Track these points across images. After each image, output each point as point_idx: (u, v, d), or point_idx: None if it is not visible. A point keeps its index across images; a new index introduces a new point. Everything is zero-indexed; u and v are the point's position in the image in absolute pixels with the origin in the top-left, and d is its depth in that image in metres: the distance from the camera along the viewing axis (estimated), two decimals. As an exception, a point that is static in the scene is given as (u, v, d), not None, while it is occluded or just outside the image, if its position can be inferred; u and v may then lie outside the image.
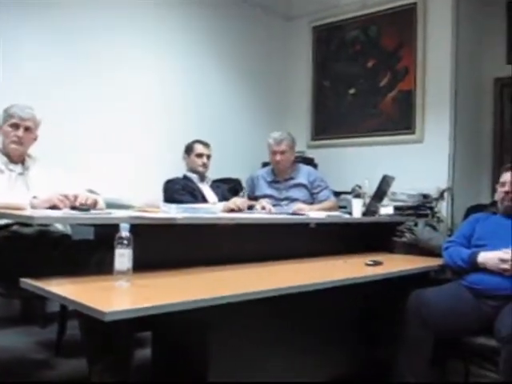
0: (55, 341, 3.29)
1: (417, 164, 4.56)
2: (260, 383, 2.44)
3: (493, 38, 4.96)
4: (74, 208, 2.31)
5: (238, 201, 3.25)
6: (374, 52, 5.03)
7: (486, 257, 2.79)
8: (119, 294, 1.88)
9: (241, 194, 4.23)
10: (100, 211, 2.41)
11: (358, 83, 5.12)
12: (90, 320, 1.62)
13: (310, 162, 4.86)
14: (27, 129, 2.84)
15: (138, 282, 1.98)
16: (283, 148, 3.99)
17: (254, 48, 5.31)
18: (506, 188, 3.00)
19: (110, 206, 2.75)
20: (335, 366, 2.92)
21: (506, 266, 2.68)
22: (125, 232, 1.92)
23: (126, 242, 1.90)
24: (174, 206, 2.58)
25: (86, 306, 1.63)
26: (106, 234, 2.02)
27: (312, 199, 4.05)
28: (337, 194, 4.43)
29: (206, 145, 3.91)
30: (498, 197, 3.09)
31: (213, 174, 4.11)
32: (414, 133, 4.67)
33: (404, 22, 4.81)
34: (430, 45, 4.67)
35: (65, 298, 1.77)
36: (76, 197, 2.39)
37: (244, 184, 4.38)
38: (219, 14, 5.00)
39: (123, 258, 1.90)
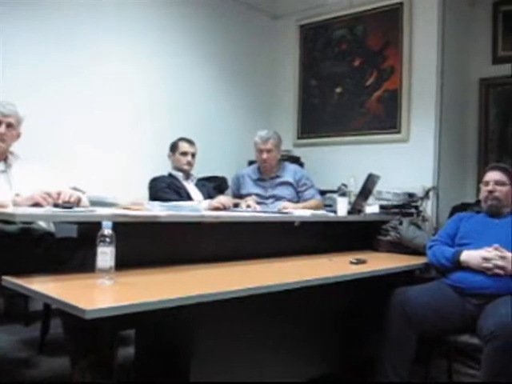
0: (38, 339, 3.28)
1: (402, 163, 4.58)
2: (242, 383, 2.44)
3: (478, 39, 4.99)
4: (56, 206, 2.30)
5: (222, 199, 3.25)
6: (360, 51, 5.04)
7: (468, 255, 2.81)
8: (101, 291, 1.87)
9: (226, 192, 4.22)
10: (83, 209, 2.40)
11: (345, 82, 5.12)
12: (72, 318, 1.61)
13: (296, 160, 4.86)
14: (9, 125, 2.81)
15: (121, 279, 1.98)
16: (269, 146, 4.00)
17: (241, 46, 5.30)
18: (490, 187, 3.03)
19: (95, 203, 2.73)
20: (319, 364, 2.92)
21: (488, 264, 2.70)
22: (107, 230, 1.91)
23: (108, 239, 1.90)
24: (157, 203, 2.57)
25: (67, 303, 1.62)
26: (89, 232, 2.01)
27: (298, 198, 4.05)
28: (323, 192, 4.43)
29: (190, 143, 3.90)
30: (481, 196, 3.11)
31: (199, 172, 4.10)
32: (399, 132, 4.69)
33: (390, 22, 4.82)
34: (415, 45, 4.68)
35: (45, 296, 1.76)
36: (59, 194, 2.38)
37: (230, 182, 4.37)
38: (206, 13, 4.98)
39: (105, 255, 1.90)
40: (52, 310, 3.17)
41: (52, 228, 2.88)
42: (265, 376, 2.57)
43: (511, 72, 4.73)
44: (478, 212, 3.14)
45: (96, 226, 1.91)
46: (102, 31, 4.22)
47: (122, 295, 1.84)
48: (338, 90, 5.16)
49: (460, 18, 4.90)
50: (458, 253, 2.86)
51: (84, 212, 2.28)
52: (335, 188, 4.26)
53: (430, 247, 3.06)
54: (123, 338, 3.01)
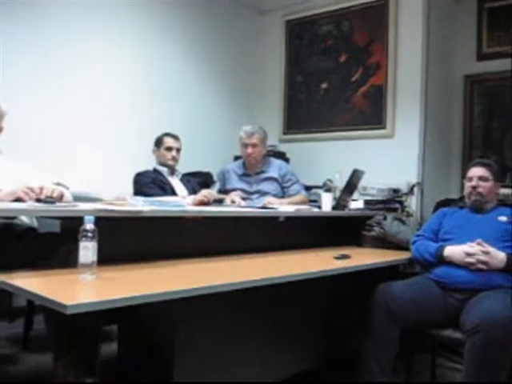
0: (22, 335, 3.27)
1: (387, 159, 4.60)
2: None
3: (463, 36, 5.02)
4: (39, 200, 2.28)
5: (205, 192, 3.24)
6: (346, 47, 5.04)
7: (452, 251, 2.83)
8: (83, 287, 1.86)
9: (212, 187, 4.21)
10: (66, 204, 2.38)
11: (331, 78, 5.13)
12: (54, 314, 1.60)
13: (281, 156, 4.86)
14: (-10, 120, 2.78)
15: (103, 274, 1.97)
16: (254, 141, 4.00)
17: (227, 42, 5.29)
18: (473, 183, 3.05)
19: (79, 199, 2.72)
20: (303, 360, 2.93)
21: (471, 259, 2.72)
22: (89, 224, 1.90)
23: (90, 234, 1.89)
24: (140, 198, 2.56)
25: (48, 299, 1.61)
26: (72, 227, 1.99)
27: (283, 193, 4.06)
28: (308, 188, 4.43)
29: (175, 138, 3.89)
30: (465, 192, 3.13)
31: (184, 167, 4.10)
32: (384, 128, 4.70)
33: (376, 18, 4.83)
34: (401, 41, 4.70)
35: (27, 292, 1.74)
36: (41, 189, 2.36)
37: (215, 178, 4.36)
38: (191, 8, 4.96)
39: (87, 250, 1.89)
40: (36, 306, 3.15)
41: (35, 223, 2.86)
42: (248, 371, 2.57)
43: (498, 68, 4.75)
44: (462, 207, 3.16)
45: (79, 220, 1.90)
46: (85, 27, 4.18)
47: (103, 290, 1.82)
48: (324, 85, 5.16)
49: (445, 15, 4.92)
50: (442, 248, 2.88)
51: (66, 207, 2.26)
52: (321, 183, 4.27)
53: (414, 242, 3.07)
54: (107, 334, 3.00)
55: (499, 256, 2.71)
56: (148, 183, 3.63)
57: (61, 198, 2.45)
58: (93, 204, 2.46)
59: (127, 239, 2.45)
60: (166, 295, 1.75)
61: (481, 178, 3.04)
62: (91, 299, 1.65)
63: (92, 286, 1.87)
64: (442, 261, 2.85)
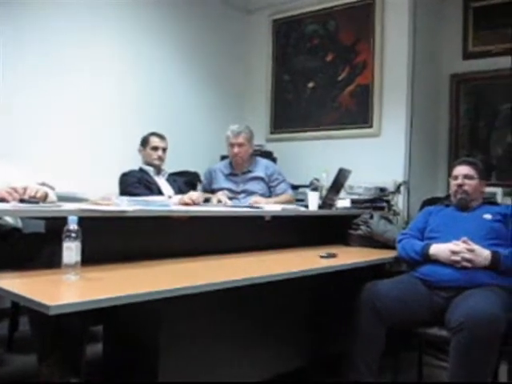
0: (7, 336, 3.24)
1: (374, 158, 4.60)
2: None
3: (449, 35, 5.03)
4: (23, 201, 2.27)
5: (194, 195, 3.23)
6: (332, 46, 5.04)
7: (437, 249, 2.84)
8: (66, 287, 1.86)
9: (198, 187, 4.20)
10: (50, 204, 2.37)
11: (317, 77, 5.13)
12: (39, 315, 1.59)
13: (268, 155, 4.85)
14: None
15: (87, 275, 1.97)
16: (241, 140, 3.99)
17: (214, 41, 5.28)
18: (459, 181, 3.06)
19: (65, 199, 2.71)
20: (290, 359, 2.93)
21: (456, 257, 2.73)
22: (73, 225, 1.90)
23: (73, 234, 1.88)
24: (125, 198, 2.55)
25: (31, 299, 1.60)
26: (56, 227, 1.98)
27: (269, 193, 4.06)
28: (295, 187, 4.44)
29: (161, 137, 3.88)
30: (451, 190, 3.15)
31: (171, 167, 4.08)
32: (371, 127, 4.71)
33: (362, 17, 4.84)
34: (387, 40, 4.70)
35: (9, 292, 1.73)
36: (25, 189, 2.34)
37: (202, 177, 4.35)
38: (178, 7, 4.94)
39: (71, 251, 1.88)
40: (21, 308, 3.13)
41: (19, 224, 2.85)
42: (233, 370, 2.57)
43: (483, 68, 4.78)
44: (447, 205, 3.18)
45: (63, 221, 1.89)
46: (71, 28, 4.14)
47: (86, 291, 1.82)
48: (311, 84, 5.16)
49: (431, 14, 4.94)
50: (427, 246, 2.89)
51: (50, 207, 2.25)
52: (308, 183, 4.29)
53: (400, 241, 3.09)
54: (93, 335, 2.99)
55: (484, 254, 2.72)
56: (134, 183, 3.62)
57: (45, 198, 2.44)
58: (77, 204, 2.45)
59: (112, 239, 2.45)
60: (148, 295, 1.74)
61: (466, 177, 3.05)
62: (74, 300, 1.64)
63: (75, 286, 1.86)
64: (427, 259, 2.86)
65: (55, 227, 2.05)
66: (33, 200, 2.29)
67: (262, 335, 2.72)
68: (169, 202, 2.82)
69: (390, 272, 3.23)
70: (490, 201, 3.21)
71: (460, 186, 3.05)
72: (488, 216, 2.96)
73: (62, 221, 1.91)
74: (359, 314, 2.72)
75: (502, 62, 4.69)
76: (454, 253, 2.74)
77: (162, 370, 2.21)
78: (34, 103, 3.93)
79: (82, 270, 1.92)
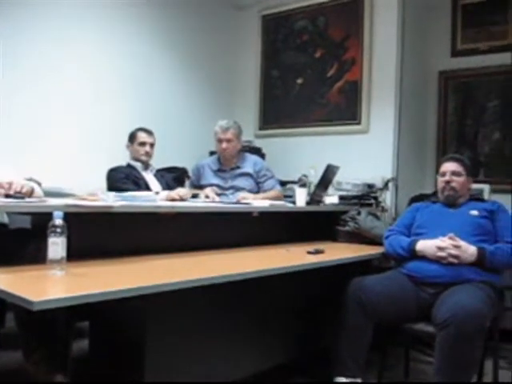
0: (-7, 333, 3.23)
1: (362, 154, 4.61)
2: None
3: (438, 32, 5.05)
4: (8, 196, 2.26)
5: (182, 191, 3.22)
6: (321, 42, 5.04)
7: (424, 245, 2.85)
8: (51, 282, 1.85)
9: (186, 183, 4.19)
10: (35, 199, 2.36)
11: (306, 73, 5.12)
12: (24, 311, 1.58)
13: (257, 151, 4.85)
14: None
15: (73, 270, 1.96)
16: (229, 136, 3.98)
17: (203, 36, 5.25)
18: (447, 178, 3.08)
19: (52, 194, 2.70)
20: (277, 354, 2.93)
21: (442, 253, 2.74)
22: (58, 220, 1.90)
23: (59, 230, 1.88)
24: (112, 194, 2.53)
25: (15, 295, 1.60)
26: (42, 223, 1.97)
27: (258, 188, 4.05)
28: (284, 183, 4.44)
29: (149, 133, 3.86)
30: (438, 186, 3.16)
31: (160, 162, 4.07)
32: (359, 123, 4.71)
33: (351, 14, 4.84)
34: (376, 37, 4.70)
35: (-8, 288, 1.72)
36: (10, 185, 2.33)
37: (190, 173, 4.34)
38: (167, 2, 4.91)
39: (56, 246, 1.88)
40: (7, 304, 3.10)
41: (5, 219, 2.83)
42: (221, 366, 2.57)
43: (471, 65, 4.80)
44: (435, 202, 3.19)
45: (49, 216, 1.89)
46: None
47: (71, 286, 1.82)
48: (300, 80, 5.16)
49: (420, 12, 4.94)
50: (414, 242, 2.90)
51: (35, 202, 2.24)
52: (296, 179, 4.28)
53: (387, 237, 3.10)
54: (80, 331, 2.97)
55: (470, 250, 2.74)
56: (122, 178, 3.61)
57: (31, 193, 2.43)
58: (63, 199, 2.44)
59: (98, 235, 2.44)
60: (132, 291, 1.74)
61: (454, 173, 3.07)
62: (58, 295, 1.63)
63: (60, 281, 1.86)
64: (414, 255, 2.88)
65: (41, 223, 2.04)
66: (18, 195, 2.28)
67: (249, 330, 2.72)
68: (155, 197, 2.80)
69: (378, 268, 3.24)
70: (477, 197, 3.22)
71: (448, 182, 3.07)
72: (474, 212, 2.98)
73: (48, 216, 1.91)
74: (346, 310, 2.73)
75: (490, 60, 4.72)
76: (441, 249, 2.76)
77: (149, 366, 2.20)
78: (19, 99, 3.89)
79: (67, 265, 1.92)
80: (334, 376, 2.73)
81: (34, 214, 2.33)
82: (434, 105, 5.08)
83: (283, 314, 2.94)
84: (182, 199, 3.15)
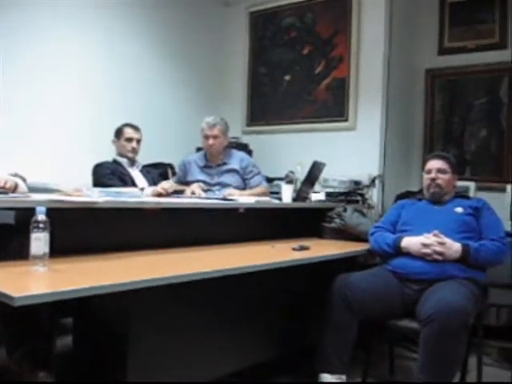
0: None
1: (349, 151, 4.61)
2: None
3: (425, 30, 5.05)
4: (-10, 191, 2.24)
5: (165, 184, 3.21)
6: (309, 39, 5.03)
7: (409, 242, 2.86)
8: (33, 278, 1.84)
9: (172, 179, 4.17)
10: (19, 195, 2.34)
11: (294, 70, 5.12)
12: (6, 306, 1.57)
13: (244, 147, 4.84)
14: None
15: (56, 266, 1.95)
16: (216, 132, 3.97)
17: (190, 32, 5.23)
18: (433, 175, 3.09)
19: (37, 190, 2.67)
20: (262, 350, 2.93)
21: (427, 250, 2.75)
22: (41, 215, 1.89)
23: (42, 225, 1.87)
24: (96, 189, 2.52)
25: (-5, 291, 1.58)
26: (26, 219, 1.96)
27: (244, 185, 4.04)
28: (271, 180, 4.44)
29: (136, 129, 3.85)
30: (424, 184, 3.17)
31: (147, 158, 4.05)
32: (346, 120, 4.71)
33: (339, 11, 4.83)
34: (363, 34, 4.71)
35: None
36: (-7, 180, 2.31)
37: (177, 169, 4.32)
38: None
39: (39, 242, 1.87)
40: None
41: (-12, 215, 2.80)
42: (205, 362, 2.56)
43: (458, 63, 4.81)
44: (420, 199, 3.20)
45: (33, 212, 1.88)
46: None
47: (53, 282, 1.80)
48: (287, 77, 5.16)
49: (408, 10, 4.96)
50: (399, 239, 2.91)
51: (18, 197, 2.22)
52: (283, 175, 4.28)
53: (372, 234, 3.10)
54: (64, 327, 2.96)
55: (454, 247, 2.75)
56: (107, 174, 3.59)
57: (14, 188, 2.41)
58: (47, 195, 2.42)
59: (83, 231, 2.42)
60: (113, 287, 1.73)
61: (439, 171, 3.08)
62: (40, 291, 1.62)
63: (43, 277, 1.85)
64: (399, 252, 2.89)
65: (25, 218, 2.03)
66: (1, 190, 2.26)
67: (234, 326, 2.72)
68: (140, 193, 2.79)
69: (364, 265, 3.25)
70: (462, 194, 3.24)
71: (433, 179, 3.08)
72: (459, 209, 2.99)
73: (31, 212, 1.90)
74: (331, 306, 2.73)
75: (477, 58, 4.74)
76: (425, 246, 2.77)
77: (131, 363, 2.19)
78: (4, 95, 3.84)
79: (50, 261, 1.90)
80: (318, 373, 2.73)
81: (17, 210, 2.30)
82: (421, 102, 5.09)
83: (268, 311, 2.94)
84: (167, 192, 3.15)
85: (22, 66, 3.95)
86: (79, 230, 2.40)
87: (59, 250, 2.02)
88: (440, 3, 5.01)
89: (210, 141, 3.96)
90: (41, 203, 2.05)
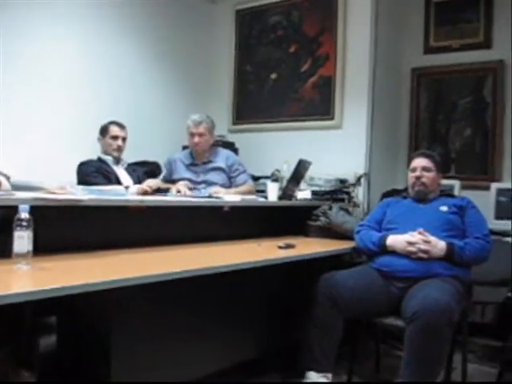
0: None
1: (335, 149, 4.61)
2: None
3: (411, 29, 5.07)
4: (-27, 189, 2.22)
5: (151, 182, 3.20)
6: (295, 37, 5.03)
7: (394, 240, 2.87)
8: (16, 277, 1.83)
9: (159, 177, 4.16)
10: (3, 193, 2.32)
11: (280, 68, 5.11)
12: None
13: (230, 146, 4.83)
14: None
15: (39, 264, 1.94)
16: (201, 130, 3.96)
17: (176, 29, 5.20)
18: (417, 173, 3.10)
19: (21, 188, 2.64)
20: (248, 349, 2.93)
21: (412, 248, 2.76)
22: (24, 213, 1.88)
23: (25, 223, 1.86)
24: (80, 187, 2.51)
25: (-26, 289, 1.56)
26: (9, 217, 1.94)
27: (230, 183, 4.04)
28: (257, 178, 4.44)
29: (121, 126, 3.83)
30: (409, 182, 3.18)
31: (131, 156, 4.03)
32: (333, 118, 4.71)
33: (325, 9, 4.83)
34: (349, 33, 4.71)
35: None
36: (-24, 178, 2.29)
37: (163, 167, 4.31)
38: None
39: (22, 240, 1.87)
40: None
41: (-29, 213, 2.77)
42: (190, 361, 2.56)
43: (444, 62, 4.84)
44: (405, 197, 3.21)
45: (16, 210, 1.87)
46: (23, 14, 4.03)
47: (37, 280, 1.79)
48: (274, 75, 5.15)
49: (394, 9, 4.97)
50: (384, 237, 2.92)
51: (1, 195, 2.20)
52: (269, 174, 4.28)
53: (358, 232, 3.11)
54: (48, 326, 2.94)
55: (439, 245, 2.77)
56: (92, 172, 3.57)
57: (-2, 186, 2.39)
58: (30, 193, 2.40)
59: (67, 229, 2.41)
60: (97, 286, 1.73)
61: (424, 169, 3.09)
62: (23, 289, 1.61)
63: (26, 276, 1.83)
64: (384, 250, 2.89)
65: (8, 216, 2.01)
66: (-16, 188, 2.24)
67: (219, 325, 2.71)
68: (124, 191, 2.77)
69: (350, 263, 3.25)
70: (447, 193, 3.26)
71: (418, 178, 3.09)
72: (444, 208, 3.01)
73: (14, 210, 1.89)
74: (317, 304, 2.74)
75: (462, 57, 4.76)
76: (411, 244, 2.78)
77: (115, 362, 2.18)
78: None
79: (34, 259, 1.89)
80: (304, 371, 2.74)
81: (0, 208, 2.28)
82: (407, 101, 5.10)
83: (254, 309, 2.94)
84: (152, 190, 3.13)
85: (5, 65, 3.90)
86: (63, 229, 2.38)
87: (43, 248, 2.01)
88: (426, 3, 5.03)
89: (196, 138, 3.95)
90: (24, 201, 2.04)
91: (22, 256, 1.85)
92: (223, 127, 5.13)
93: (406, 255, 2.79)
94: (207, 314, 2.63)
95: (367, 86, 4.61)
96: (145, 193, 3.11)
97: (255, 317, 2.96)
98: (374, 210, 3.32)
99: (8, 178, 2.63)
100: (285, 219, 3.58)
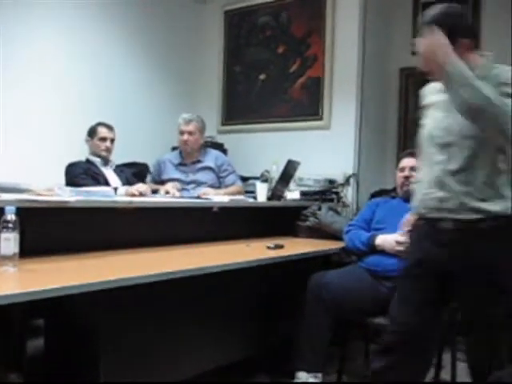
0: None
1: (324, 150, 4.62)
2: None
3: (399, 30, 5.07)
4: (-41, 192, 2.20)
5: (142, 187, 3.19)
6: (284, 38, 5.03)
7: (383, 239, 2.88)
8: (3, 279, 1.81)
9: (148, 180, 4.15)
10: (-12, 195, 2.30)
11: (269, 69, 5.11)
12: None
13: (219, 147, 4.83)
14: None
15: (26, 266, 1.93)
16: (191, 128, 3.97)
17: (164, 30, 5.18)
18: (406, 173, 3.11)
19: (8, 190, 2.62)
20: (238, 349, 2.93)
21: (401, 248, 2.76)
22: (10, 215, 1.87)
23: (11, 225, 1.85)
24: (68, 189, 2.49)
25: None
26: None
27: (219, 183, 4.03)
28: (246, 179, 4.43)
29: (109, 128, 3.81)
30: (397, 182, 3.18)
31: (120, 157, 4.01)
32: (321, 119, 4.72)
33: (314, 10, 4.84)
34: (338, 34, 4.71)
35: None
36: (-39, 180, 2.28)
37: (151, 168, 4.30)
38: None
39: (9, 242, 1.86)
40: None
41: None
42: (179, 362, 2.55)
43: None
44: (394, 197, 3.22)
45: (2, 211, 1.86)
46: (11, 16, 4.00)
47: (24, 282, 1.78)
48: (262, 76, 5.15)
49: (382, 9, 4.98)
50: (373, 237, 2.93)
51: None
52: (258, 175, 4.28)
53: (347, 232, 3.12)
54: (36, 328, 2.92)
55: (428, 244, 2.76)
56: (80, 174, 3.55)
57: (-16, 189, 2.37)
58: (17, 194, 2.39)
59: (55, 231, 2.40)
60: (83, 287, 1.72)
61: (413, 169, 3.09)
62: (10, 291, 1.60)
63: (12, 278, 1.83)
64: (373, 249, 2.90)
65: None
66: (-30, 190, 2.23)
67: (209, 325, 2.71)
68: (112, 192, 2.77)
69: (339, 263, 3.26)
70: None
71: (407, 177, 3.10)
72: (432, 207, 3.00)
73: (1, 211, 1.88)
74: (306, 304, 2.75)
75: (450, 57, 4.77)
76: (399, 243, 2.78)
77: (105, 363, 2.17)
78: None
79: (21, 261, 1.89)
80: (294, 371, 2.74)
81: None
82: (395, 101, 5.11)
83: (243, 309, 2.94)
84: (141, 195, 3.12)
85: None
86: (51, 230, 2.37)
87: (30, 250, 2.00)
88: (413, 3, 5.04)
89: (185, 136, 3.96)
90: (10, 203, 2.02)
91: (9, 258, 1.84)
92: (212, 128, 5.12)
93: (395, 255, 2.79)
94: (196, 314, 2.63)
95: (355, 87, 4.62)
96: (133, 196, 3.09)
97: (244, 317, 2.95)
98: (363, 210, 3.33)
99: (-5, 181, 2.62)
100: (274, 220, 3.58)
